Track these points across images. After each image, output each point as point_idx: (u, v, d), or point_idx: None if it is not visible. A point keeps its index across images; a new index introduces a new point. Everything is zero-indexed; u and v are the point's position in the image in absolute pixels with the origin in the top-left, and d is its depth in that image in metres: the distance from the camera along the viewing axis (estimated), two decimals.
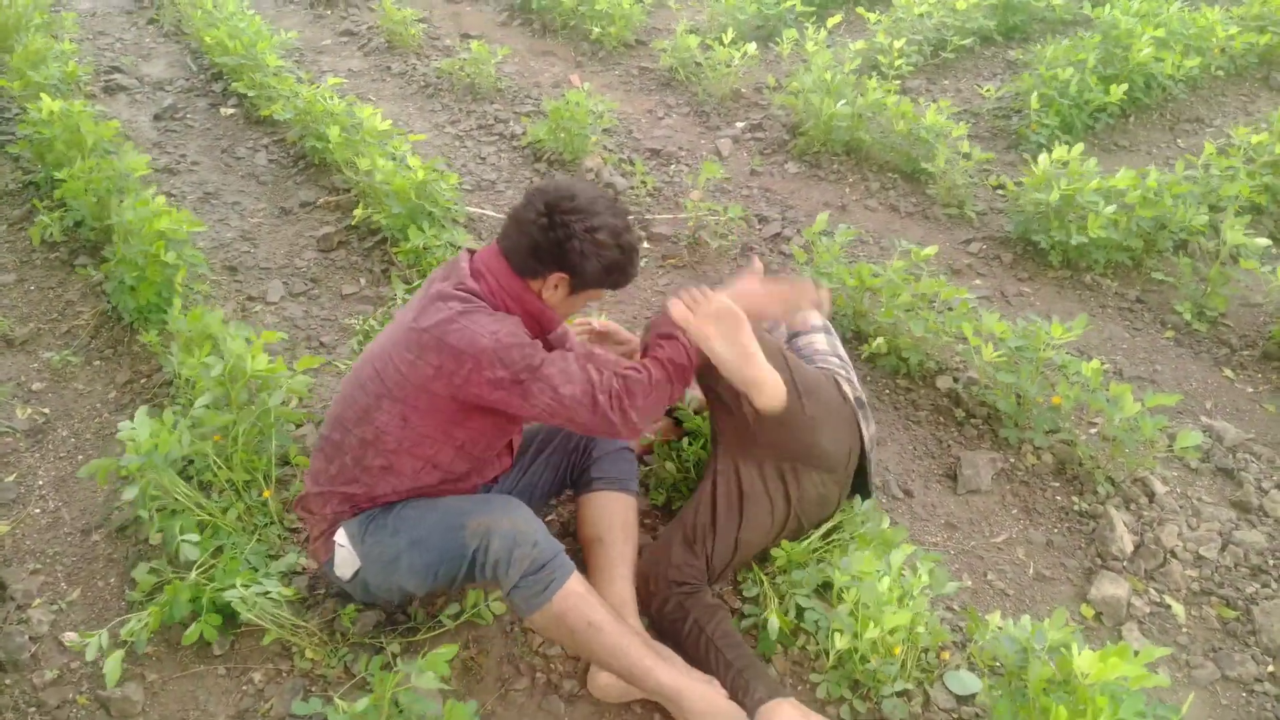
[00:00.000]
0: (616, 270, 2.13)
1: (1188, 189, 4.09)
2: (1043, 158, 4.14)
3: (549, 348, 2.21)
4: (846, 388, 2.48)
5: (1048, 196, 4.03)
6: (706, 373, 2.27)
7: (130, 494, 2.42)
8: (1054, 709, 1.78)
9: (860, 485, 2.58)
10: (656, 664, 2.06)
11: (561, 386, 2.03)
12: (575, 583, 2.06)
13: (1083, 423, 3.21)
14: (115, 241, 3.32)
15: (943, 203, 4.62)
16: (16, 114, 4.94)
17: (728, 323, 2.11)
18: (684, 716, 2.06)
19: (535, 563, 2.02)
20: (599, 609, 2.07)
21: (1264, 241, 3.78)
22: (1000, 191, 4.60)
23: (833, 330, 2.85)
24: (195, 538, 2.28)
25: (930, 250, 3.41)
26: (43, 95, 4.04)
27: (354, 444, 2.14)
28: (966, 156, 4.59)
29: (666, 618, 2.31)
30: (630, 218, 2.19)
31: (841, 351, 2.77)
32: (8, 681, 2.21)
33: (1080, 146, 4.11)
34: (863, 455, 2.51)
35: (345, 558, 2.19)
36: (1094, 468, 3.00)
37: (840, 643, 2.18)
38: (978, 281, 4.07)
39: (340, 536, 2.19)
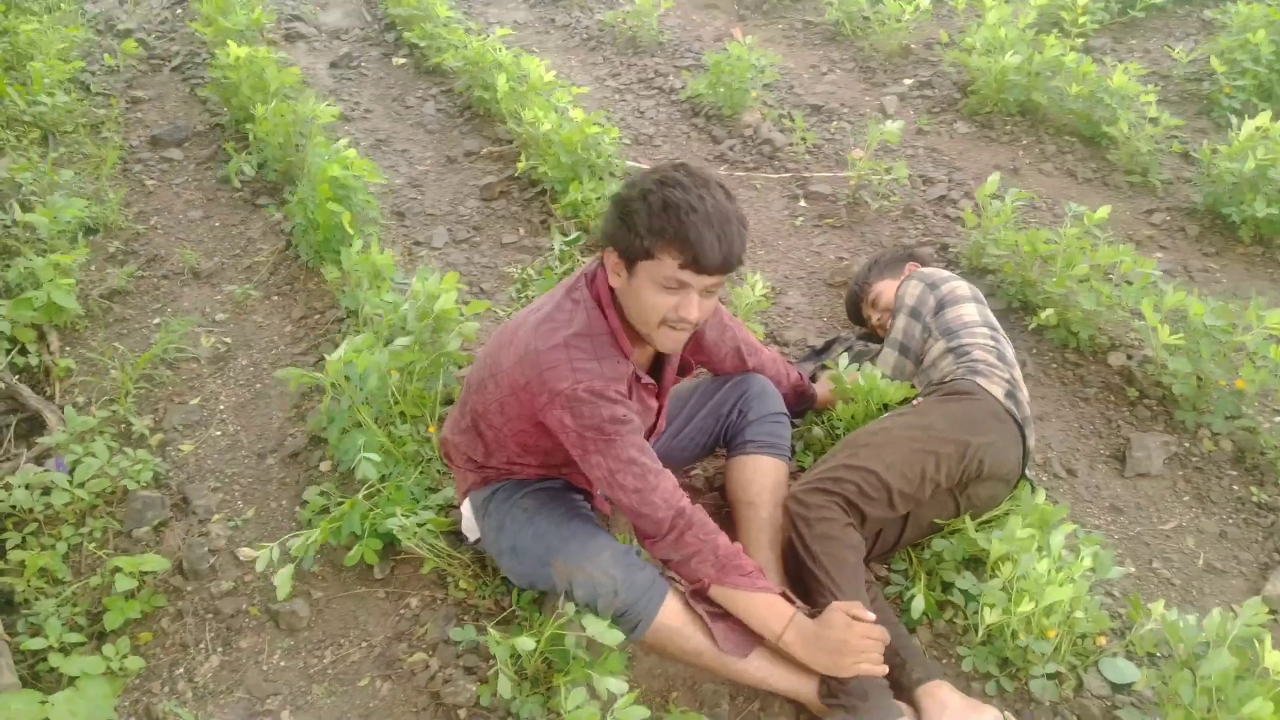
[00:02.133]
0: (654, 232, 1.82)
1: None
2: (1242, 124, 3.84)
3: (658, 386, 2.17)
4: (1007, 401, 2.40)
5: (1242, 166, 3.73)
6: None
7: (324, 408, 2.56)
8: (1247, 698, 1.68)
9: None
10: (766, 675, 2.04)
11: (619, 472, 1.94)
12: (667, 615, 2.00)
13: (1266, 410, 2.99)
14: (300, 183, 3.48)
15: (1124, 169, 4.35)
16: (205, 59, 5.24)
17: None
18: (811, 707, 2.06)
19: (619, 610, 1.99)
20: (695, 635, 2.01)
21: None
22: (1188, 160, 4.29)
23: (982, 298, 2.74)
24: (376, 457, 2.36)
25: (1103, 212, 3.20)
26: (229, 41, 4.26)
27: (471, 409, 2.19)
28: (1153, 121, 4.30)
29: (813, 543, 2.17)
30: (691, 180, 1.85)
31: (993, 320, 2.66)
32: (189, 589, 2.39)
33: (1264, 116, 3.78)
34: (1024, 450, 2.41)
35: (468, 525, 2.31)
36: (1277, 457, 2.80)
37: (991, 616, 2.11)
38: (1159, 254, 3.83)
39: (466, 507, 2.29)
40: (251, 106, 4.00)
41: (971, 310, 2.66)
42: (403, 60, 5.48)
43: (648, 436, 2.35)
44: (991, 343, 2.55)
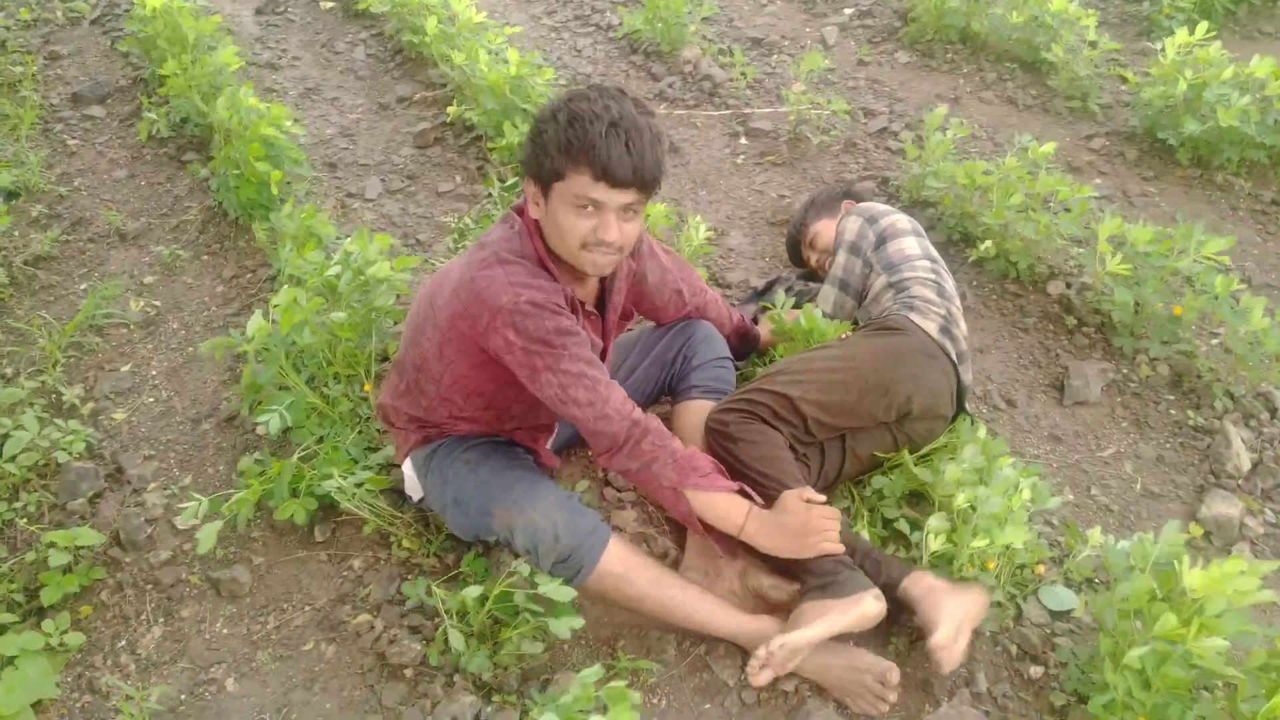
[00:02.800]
0: (565, 148, 1.77)
1: None
2: (1165, 43, 3.83)
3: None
4: (940, 337, 2.39)
5: (1174, 88, 3.73)
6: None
7: (256, 372, 2.51)
8: (1160, 617, 1.72)
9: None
10: (709, 618, 2.05)
11: (571, 386, 1.92)
12: (609, 560, 2.00)
13: (1204, 333, 3.03)
14: (217, 140, 3.37)
15: (1064, 95, 4.34)
16: (126, 10, 5.03)
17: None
18: (749, 649, 2.07)
19: (560, 555, 1.98)
20: (637, 582, 2.02)
21: None
22: (1128, 83, 4.29)
23: (922, 231, 2.73)
24: (285, 413, 2.35)
25: (1049, 148, 3.20)
26: None
27: (409, 365, 2.16)
28: (1092, 45, 4.28)
29: (737, 441, 2.19)
30: (605, 98, 1.80)
31: (933, 252, 2.66)
32: (127, 560, 2.35)
33: (1204, 26, 3.77)
34: (959, 386, 2.42)
35: (411, 485, 2.29)
36: (1213, 381, 2.84)
37: (935, 544, 2.13)
38: (1099, 180, 3.84)
39: (407, 466, 2.26)
40: (173, 59, 3.85)
41: (912, 243, 2.65)
42: (331, 4, 5.29)
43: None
44: (932, 276, 2.54)
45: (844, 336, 2.48)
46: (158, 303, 3.18)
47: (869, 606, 1.97)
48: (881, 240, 2.67)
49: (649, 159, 1.81)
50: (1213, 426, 2.74)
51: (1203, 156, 3.89)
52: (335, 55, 4.78)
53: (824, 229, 2.99)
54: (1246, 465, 2.62)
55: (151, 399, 2.82)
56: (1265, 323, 2.64)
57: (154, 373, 2.91)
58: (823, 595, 1.99)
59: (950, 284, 2.58)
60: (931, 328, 2.39)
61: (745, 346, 2.73)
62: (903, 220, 2.72)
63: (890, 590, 2.05)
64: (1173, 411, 2.82)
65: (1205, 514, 2.49)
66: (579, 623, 1.96)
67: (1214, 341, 2.99)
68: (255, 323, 2.42)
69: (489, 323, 1.90)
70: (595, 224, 1.86)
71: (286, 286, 2.44)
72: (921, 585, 2.04)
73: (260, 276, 3.22)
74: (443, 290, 2.03)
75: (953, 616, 1.95)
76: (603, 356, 2.24)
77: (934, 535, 2.14)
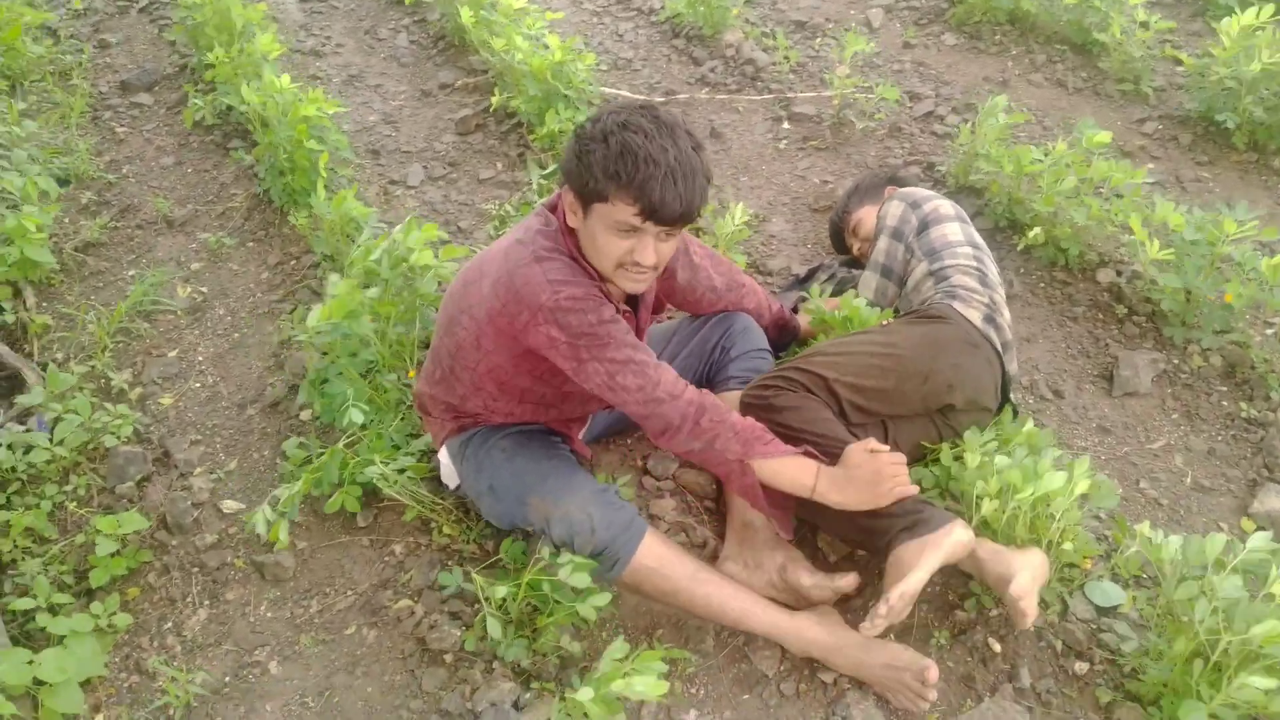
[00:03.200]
0: (611, 176, 1.76)
1: None
2: (1228, 23, 3.71)
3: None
4: (985, 326, 2.34)
5: (1235, 70, 3.62)
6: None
7: (311, 373, 2.55)
8: (1262, 620, 1.67)
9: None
10: (749, 612, 2.04)
11: (619, 374, 1.91)
12: (644, 555, 2.00)
13: (1258, 322, 2.95)
14: (257, 127, 3.40)
15: (1116, 78, 4.23)
16: None
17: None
18: (785, 646, 2.07)
19: (596, 548, 1.99)
20: (672, 575, 2.02)
21: None
22: (1181, 65, 4.17)
23: (966, 217, 2.68)
24: (364, 406, 2.36)
25: (1105, 137, 3.11)
26: None
27: (444, 354, 2.16)
28: (1144, 25, 4.16)
29: (782, 410, 2.15)
30: (655, 125, 1.78)
31: (977, 239, 2.60)
32: (174, 543, 2.39)
33: (1271, 9, 3.65)
34: (1004, 390, 2.37)
35: (448, 472, 2.30)
36: (1267, 372, 2.77)
37: (986, 508, 2.07)
38: (1151, 165, 3.74)
39: (443, 453, 2.28)
40: (221, 46, 3.89)
41: (955, 229, 2.60)
42: None
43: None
44: (975, 264, 2.49)
45: (884, 323, 2.44)
46: (204, 289, 3.22)
47: (960, 534, 1.95)
48: (924, 226, 2.62)
49: (697, 199, 1.82)
50: (1266, 419, 2.67)
51: (1259, 141, 3.78)
52: (378, 42, 4.80)
53: (866, 215, 2.94)
54: None
55: (198, 384, 2.86)
56: None
57: (200, 358, 2.95)
58: (912, 535, 1.96)
59: (994, 271, 2.53)
60: (975, 316, 2.35)
61: (784, 337, 2.70)
62: (946, 205, 2.67)
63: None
64: (1225, 403, 2.75)
65: (1258, 509, 2.43)
66: (604, 599, 1.95)
67: (1269, 332, 2.91)
68: (316, 315, 2.41)
69: (529, 320, 1.90)
70: (633, 245, 1.86)
71: (341, 278, 2.45)
72: (985, 547, 2.02)
73: (304, 264, 3.24)
74: (480, 282, 2.02)
75: (1027, 566, 1.94)
76: None
77: (985, 500, 2.09)
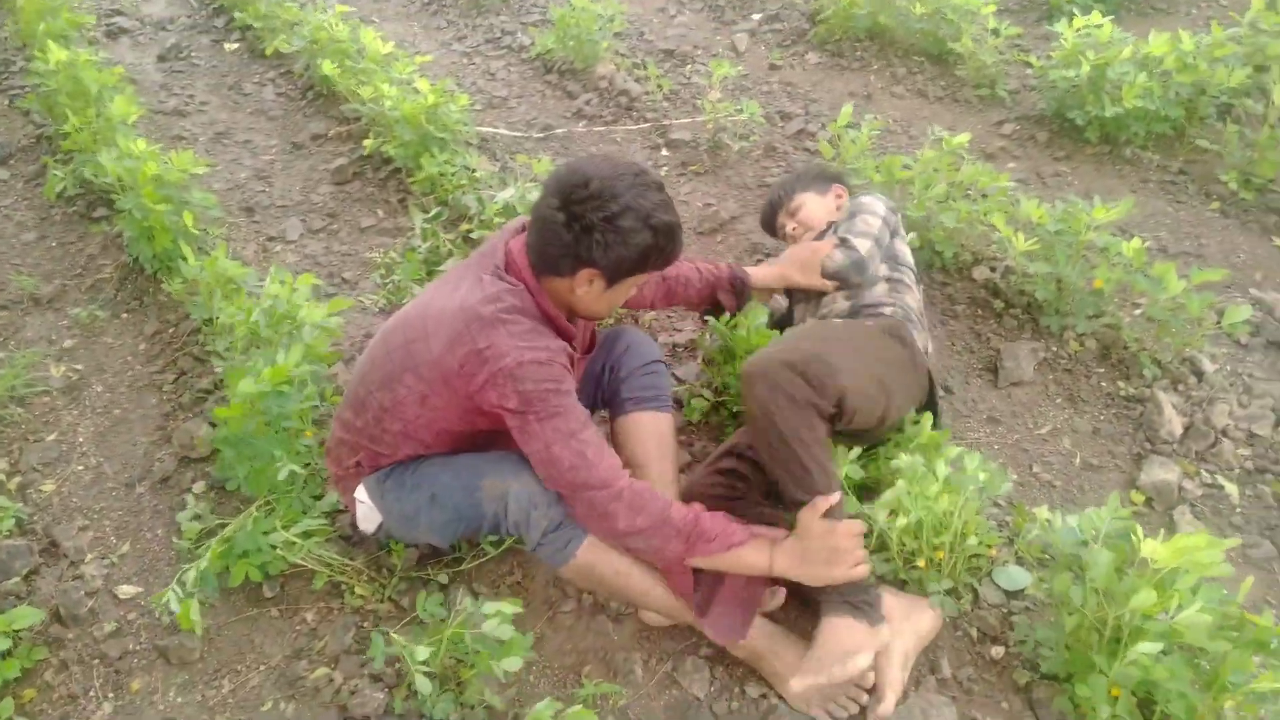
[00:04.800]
0: (654, 253, 1.94)
1: (1230, 50, 3.87)
2: (1062, 26, 3.94)
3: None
4: (918, 337, 2.39)
5: (1078, 70, 3.84)
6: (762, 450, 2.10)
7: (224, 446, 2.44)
8: (1136, 592, 1.75)
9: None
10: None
11: (556, 445, 1.90)
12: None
13: (1126, 305, 3.12)
14: (118, 194, 3.28)
15: (973, 84, 4.44)
16: (21, 67, 4.89)
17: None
18: (732, 646, 2.07)
19: (554, 522, 1.99)
20: (627, 555, 2.03)
21: None
22: (1033, 67, 4.40)
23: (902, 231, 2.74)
24: (298, 467, 2.31)
25: (963, 138, 3.25)
26: (50, 44, 3.96)
27: (374, 405, 2.11)
28: (994, 33, 4.38)
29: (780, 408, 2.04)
30: (660, 190, 1.94)
31: (912, 259, 2.69)
32: (70, 636, 2.26)
33: (1098, 14, 3.90)
34: (932, 399, 2.43)
35: (365, 513, 2.21)
36: (1139, 350, 2.92)
37: (881, 518, 2.12)
38: (1012, 164, 3.93)
39: (360, 493, 2.19)
40: (76, 114, 3.74)
41: (906, 250, 2.70)
42: (235, 45, 5.21)
43: None
44: (918, 291, 2.58)
45: (866, 326, 2.38)
46: (79, 366, 3.08)
47: (885, 636, 2.00)
48: (896, 230, 2.69)
49: None
50: (1143, 395, 2.81)
51: (1110, 134, 4.01)
52: (244, 97, 4.70)
53: (810, 201, 2.91)
54: (1179, 430, 2.69)
55: (81, 466, 2.73)
56: (1181, 286, 2.71)
57: (81, 439, 2.82)
58: (849, 611, 1.98)
59: (921, 298, 2.61)
60: (922, 346, 2.41)
61: (741, 298, 2.67)
62: (900, 224, 2.76)
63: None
64: (1104, 384, 2.89)
65: (1145, 481, 2.56)
66: (516, 664, 1.91)
67: (1137, 312, 3.07)
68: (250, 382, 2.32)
69: (486, 380, 1.89)
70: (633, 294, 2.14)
71: (233, 397, 2.35)
72: (886, 603, 2.06)
73: (183, 330, 3.14)
74: (426, 341, 1.98)
75: (900, 672, 2.01)
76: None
77: (897, 535, 2.15)
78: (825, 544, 1.96)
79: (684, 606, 2.05)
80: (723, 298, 2.64)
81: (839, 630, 1.96)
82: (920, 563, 2.17)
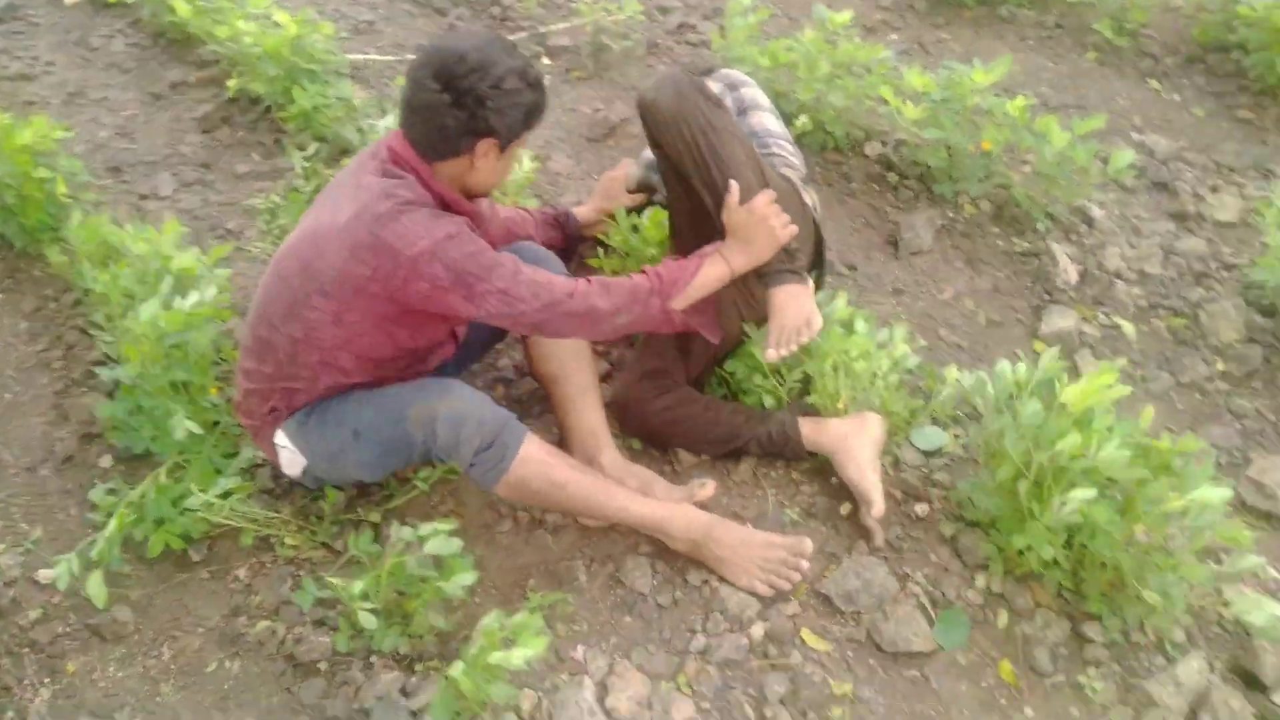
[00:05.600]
0: (534, 110, 1.98)
1: None
2: None
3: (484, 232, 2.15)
4: (806, 196, 2.40)
5: None
6: (683, 161, 2.14)
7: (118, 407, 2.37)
8: (1063, 436, 1.82)
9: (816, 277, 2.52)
10: (630, 501, 2.07)
11: (511, 288, 1.93)
12: (531, 447, 2.02)
13: (1015, 163, 3.17)
14: None
15: None
16: None
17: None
18: (670, 541, 2.10)
19: (484, 440, 1.98)
20: (560, 466, 2.04)
21: None
22: None
23: (777, 111, 2.72)
24: (194, 424, 2.22)
25: (845, 16, 3.23)
26: None
27: (284, 342, 2.05)
28: None
29: (656, 418, 2.31)
30: (516, 47, 1.99)
31: (789, 134, 2.66)
32: None
33: None
34: (819, 254, 2.45)
35: (289, 458, 2.17)
36: (1031, 206, 2.99)
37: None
38: (894, 36, 3.93)
39: (279, 438, 2.15)
40: None
41: (773, 121, 2.64)
42: None
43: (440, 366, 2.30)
44: (795, 160, 2.54)
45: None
46: None
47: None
48: (743, 109, 2.63)
49: None
50: (1038, 249, 2.89)
51: None
52: (93, 52, 4.40)
53: None
54: (1074, 278, 2.78)
55: None
56: (1065, 138, 2.77)
57: None
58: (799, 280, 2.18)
59: (805, 171, 2.60)
60: (808, 200, 2.42)
61: (570, 234, 2.71)
62: (761, 95, 2.69)
63: (791, 442, 2.21)
64: (999, 242, 2.96)
65: (1045, 330, 2.64)
66: (470, 578, 1.92)
67: (1026, 169, 3.13)
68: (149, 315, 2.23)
69: (409, 272, 1.88)
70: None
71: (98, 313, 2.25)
72: (830, 433, 2.18)
73: (65, 303, 2.98)
74: (324, 258, 1.95)
75: (874, 475, 2.12)
76: None
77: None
78: (757, 225, 2.09)
79: (618, 509, 2.07)
80: (551, 234, 2.66)
81: (791, 297, 2.15)
82: (839, 404, 2.24)
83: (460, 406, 2.00)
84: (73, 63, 4.33)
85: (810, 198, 2.45)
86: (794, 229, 2.12)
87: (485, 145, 1.96)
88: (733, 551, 2.05)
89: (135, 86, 4.10)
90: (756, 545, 2.06)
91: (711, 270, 2.10)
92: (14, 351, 2.90)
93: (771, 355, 2.14)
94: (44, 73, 4.27)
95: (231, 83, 3.68)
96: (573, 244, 2.74)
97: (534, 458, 2.02)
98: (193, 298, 2.29)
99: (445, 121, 1.91)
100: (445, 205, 2.01)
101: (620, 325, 2.04)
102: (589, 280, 2.02)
